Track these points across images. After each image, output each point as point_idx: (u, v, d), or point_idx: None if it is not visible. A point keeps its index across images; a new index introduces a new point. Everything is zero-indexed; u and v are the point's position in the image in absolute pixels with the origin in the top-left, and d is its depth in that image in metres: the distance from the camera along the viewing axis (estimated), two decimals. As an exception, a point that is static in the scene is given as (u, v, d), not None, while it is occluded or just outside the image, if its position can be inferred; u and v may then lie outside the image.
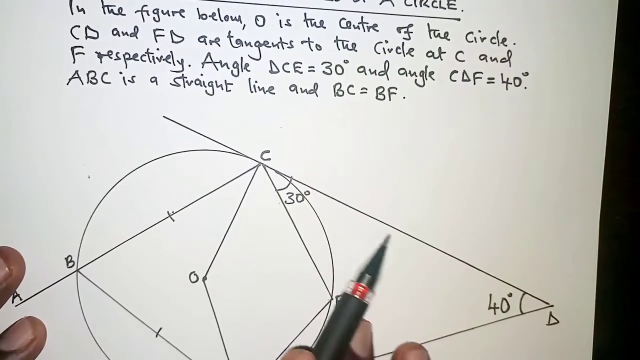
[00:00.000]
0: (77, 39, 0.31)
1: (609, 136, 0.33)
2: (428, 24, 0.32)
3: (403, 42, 0.32)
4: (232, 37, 0.31)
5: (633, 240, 0.34)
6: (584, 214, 0.33)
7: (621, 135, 0.33)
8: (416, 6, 0.32)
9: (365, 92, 0.32)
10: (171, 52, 0.31)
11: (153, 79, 0.31)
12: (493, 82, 0.32)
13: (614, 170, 0.33)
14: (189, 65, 0.32)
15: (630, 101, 0.34)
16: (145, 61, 0.31)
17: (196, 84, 0.32)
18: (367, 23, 0.32)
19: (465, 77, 0.32)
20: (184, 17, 0.31)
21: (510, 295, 0.33)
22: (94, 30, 0.31)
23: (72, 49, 0.31)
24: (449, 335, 0.33)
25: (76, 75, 0.31)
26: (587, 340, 0.33)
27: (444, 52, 0.32)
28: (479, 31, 0.32)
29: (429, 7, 0.32)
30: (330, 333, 0.28)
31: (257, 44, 0.32)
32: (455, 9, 0.32)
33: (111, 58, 0.31)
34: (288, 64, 0.32)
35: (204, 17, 0.31)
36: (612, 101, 0.33)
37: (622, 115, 0.33)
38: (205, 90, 0.32)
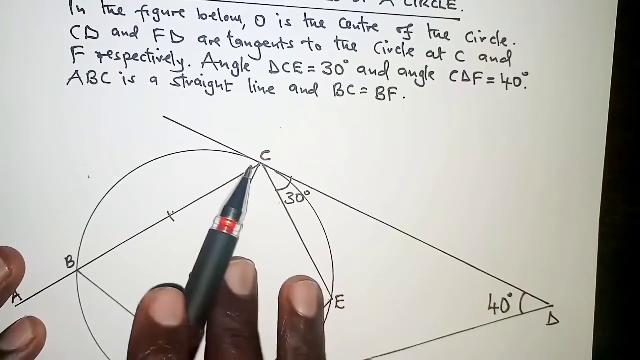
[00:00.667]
0: (77, 39, 0.31)
1: (609, 136, 0.33)
2: (428, 24, 0.32)
3: (403, 42, 0.32)
4: (232, 37, 0.31)
5: (633, 240, 0.34)
6: (584, 214, 0.33)
7: (621, 135, 0.33)
8: (416, 6, 0.32)
9: (365, 92, 0.32)
10: (171, 52, 0.31)
11: (153, 79, 0.31)
12: (493, 82, 0.32)
13: (613, 170, 0.33)
14: (189, 65, 0.32)
15: (630, 101, 0.34)
16: (145, 61, 0.31)
17: (196, 84, 0.32)
18: (367, 23, 0.32)
19: (465, 77, 0.32)
20: (184, 17, 0.31)
21: (510, 295, 0.33)
22: (94, 30, 0.31)
23: (72, 49, 0.31)
24: (448, 335, 0.33)
25: (76, 75, 0.31)
26: (587, 340, 0.33)
27: (444, 52, 0.32)
28: (479, 31, 0.32)
29: (429, 7, 0.32)
30: (201, 271, 0.28)
31: (257, 44, 0.32)
32: (455, 9, 0.32)
33: (111, 58, 0.31)
34: (288, 64, 0.32)
35: (204, 17, 0.31)
36: (612, 101, 0.33)
37: (622, 115, 0.33)
38: (205, 90, 0.32)
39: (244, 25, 0.31)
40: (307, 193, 0.32)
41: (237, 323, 0.28)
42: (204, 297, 0.28)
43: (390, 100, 0.32)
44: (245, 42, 0.32)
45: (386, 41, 0.32)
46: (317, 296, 0.30)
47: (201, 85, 0.32)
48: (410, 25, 0.32)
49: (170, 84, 0.32)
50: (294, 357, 0.28)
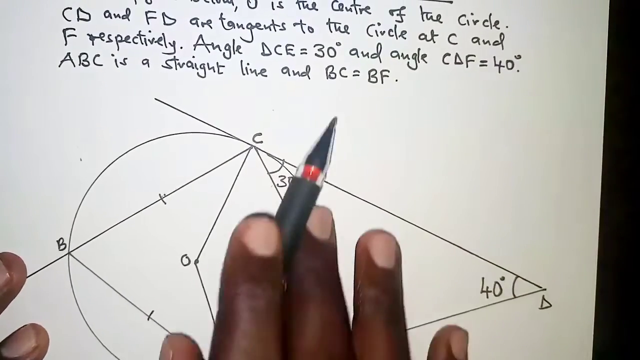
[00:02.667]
0: (69, 20, 0.31)
1: (609, 136, 0.33)
2: (420, 7, 0.32)
3: (395, 25, 0.32)
4: (224, 19, 0.31)
5: (633, 240, 0.34)
6: (583, 211, 0.33)
7: (621, 135, 0.33)
8: (409, -11, 0.32)
9: (358, 75, 0.32)
10: (163, 34, 0.31)
11: (145, 61, 0.31)
12: (486, 65, 0.32)
13: (613, 171, 0.33)
14: (181, 48, 0.31)
15: (630, 101, 0.34)
16: (137, 43, 0.31)
17: (188, 66, 0.32)
18: (360, 5, 0.32)
19: (457, 60, 0.32)
20: (175, -2, 0.31)
21: (502, 278, 0.33)
22: (85, 13, 0.31)
23: (64, 31, 0.31)
24: (441, 318, 0.33)
25: (68, 58, 0.31)
26: (580, 323, 0.33)
27: (437, 35, 0.32)
28: (472, 14, 0.32)
29: (421, -10, 0.32)
30: (284, 218, 0.27)
31: (249, 26, 0.32)
32: (448, -9, 0.32)
33: (103, 40, 0.31)
34: (280, 46, 0.32)
35: (196, -1, 0.31)
36: (612, 101, 0.33)
37: (621, 115, 0.33)
38: (197, 73, 0.32)
39: (236, 7, 0.31)
40: (299, 176, 0.32)
41: (319, 264, 0.27)
42: (287, 244, 0.28)
43: (382, 83, 0.32)
44: (237, 24, 0.31)
45: (378, 24, 0.32)
46: (395, 248, 0.30)
47: (193, 68, 0.32)
48: (403, 7, 0.32)
49: (162, 66, 0.31)
50: (374, 309, 0.27)
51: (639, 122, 0.34)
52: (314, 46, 0.32)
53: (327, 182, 0.32)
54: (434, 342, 0.31)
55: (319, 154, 0.28)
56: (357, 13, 0.32)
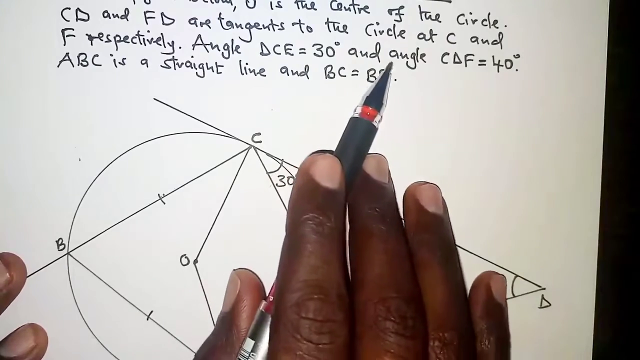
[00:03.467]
0: (68, 21, 0.31)
1: (609, 136, 0.33)
2: (419, 6, 0.32)
3: (394, 24, 0.32)
4: (223, 19, 0.31)
5: (633, 240, 0.34)
6: (583, 211, 0.33)
7: (621, 135, 0.33)
8: (407, -12, 0.32)
9: (357, 74, 0.32)
10: (162, 34, 0.31)
11: (144, 61, 0.31)
12: (484, 64, 0.32)
13: (613, 170, 0.33)
14: (180, 47, 0.31)
15: (630, 101, 0.34)
16: (135, 43, 0.31)
17: (187, 66, 0.32)
18: (358, 5, 0.32)
19: (456, 59, 0.32)
20: (174, -2, 0.31)
21: (502, 278, 0.33)
22: (84, 13, 0.31)
23: (63, 31, 0.31)
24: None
25: (67, 58, 0.31)
26: (580, 323, 0.33)
27: (435, 34, 0.32)
28: (470, 13, 0.32)
29: (420, -11, 0.32)
30: (342, 155, 0.28)
31: (247, 26, 0.32)
32: (447, -9, 0.32)
33: (102, 40, 0.31)
34: (279, 45, 0.32)
35: (195, -2, 0.31)
36: (612, 101, 0.33)
37: (621, 115, 0.33)
38: (196, 73, 0.32)
39: (235, 7, 0.31)
40: (298, 176, 0.32)
41: (382, 204, 0.28)
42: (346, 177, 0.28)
43: (381, 82, 0.32)
44: (235, 24, 0.31)
45: (377, 23, 0.32)
46: (441, 196, 0.31)
47: (192, 68, 0.32)
48: (402, 7, 0.32)
49: (161, 66, 0.31)
50: (430, 251, 0.28)
51: (639, 122, 0.34)
52: (313, 46, 0.32)
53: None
54: (473, 286, 0.31)
55: (377, 96, 0.30)
56: (355, 13, 0.32)
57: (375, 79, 0.31)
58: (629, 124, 0.34)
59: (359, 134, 0.29)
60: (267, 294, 0.30)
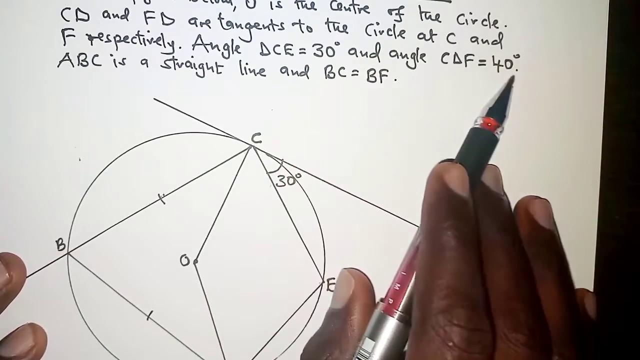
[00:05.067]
0: (68, 21, 0.31)
1: (609, 136, 0.33)
2: (419, 6, 0.32)
3: (394, 24, 0.32)
4: (223, 19, 0.31)
5: (632, 240, 0.34)
6: (583, 211, 0.33)
7: (621, 135, 0.33)
8: (407, -12, 0.32)
9: (357, 74, 0.32)
10: (162, 34, 0.31)
11: (144, 61, 0.31)
12: (484, 65, 0.32)
13: (612, 170, 0.33)
14: (180, 47, 0.31)
15: (630, 101, 0.34)
16: (135, 43, 0.31)
17: (187, 66, 0.32)
18: (358, 5, 0.32)
19: (456, 59, 0.32)
20: (174, -2, 0.31)
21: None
22: (84, 13, 0.31)
23: (63, 31, 0.31)
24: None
25: (67, 58, 0.31)
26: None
27: (435, 34, 0.32)
28: (470, 13, 0.32)
29: (420, -11, 0.32)
30: (463, 164, 0.28)
31: (247, 26, 0.32)
32: (447, -9, 0.32)
33: (102, 40, 0.31)
34: (279, 45, 0.32)
35: (195, -2, 0.31)
36: (612, 101, 0.33)
37: (622, 115, 0.33)
38: (196, 73, 0.32)
39: (235, 7, 0.31)
40: (298, 176, 0.32)
41: (502, 216, 0.29)
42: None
43: (381, 82, 0.32)
44: (235, 24, 0.31)
45: (377, 23, 0.32)
46: (552, 212, 0.31)
47: (192, 68, 0.32)
48: (402, 7, 0.32)
49: (161, 66, 0.31)
50: (545, 266, 0.28)
51: (639, 122, 0.34)
52: (313, 46, 0.32)
53: (329, 183, 0.32)
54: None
55: (499, 107, 0.29)
56: (355, 12, 0.32)
57: (498, 91, 0.30)
58: (629, 124, 0.34)
59: (481, 144, 0.29)
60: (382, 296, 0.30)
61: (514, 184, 0.33)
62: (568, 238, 0.33)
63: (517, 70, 0.33)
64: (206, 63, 0.32)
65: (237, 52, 0.32)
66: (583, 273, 0.33)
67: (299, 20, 0.32)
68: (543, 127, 0.33)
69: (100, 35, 0.31)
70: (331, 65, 0.32)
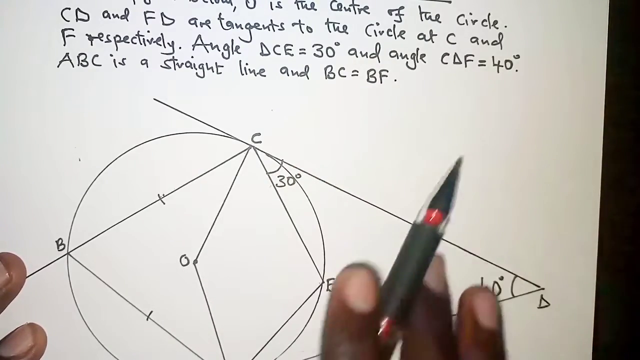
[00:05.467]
0: (68, 21, 0.31)
1: (609, 136, 0.33)
2: (419, 7, 0.32)
3: (394, 25, 0.32)
4: (223, 19, 0.31)
5: (632, 240, 0.34)
6: (583, 211, 0.33)
7: (621, 135, 0.33)
8: (407, -11, 0.32)
9: (357, 75, 0.32)
10: (162, 34, 0.31)
11: (144, 62, 0.31)
12: (484, 65, 0.32)
13: (612, 170, 0.33)
14: (180, 48, 0.31)
15: (630, 101, 0.34)
16: (135, 43, 0.31)
17: (187, 67, 0.32)
18: (358, 5, 0.32)
19: (456, 60, 0.32)
20: (174, -1, 0.31)
21: (501, 278, 0.33)
22: (84, 13, 0.31)
23: (63, 31, 0.31)
24: (440, 318, 0.33)
25: (67, 58, 0.31)
26: (579, 322, 0.33)
27: (435, 35, 0.32)
28: (470, 14, 0.32)
29: (420, -11, 0.32)
30: (403, 268, 0.26)
31: (247, 26, 0.32)
32: (447, -9, 0.32)
33: (102, 40, 0.31)
34: (279, 46, 0.32)
35: (195, -1, 0.31)
36: (612, 101, 0.33)
37: (622, 115, 0.33)
38: (196, 73, 0.32)
39: (235, 7, 0.31)
40: (298, 176, 0.32)
41: (438, 322, 0.27)
42: (405, 294, 0.26)
43: (381, 82, 0.32)
44: (235, 24, 0.31)
45: (377, 23, 0.32)
46: (498, 308, 0.29)
47: (192, 68, 0.32)
48: (402, 7, 0.32)
49: (161, 66, 0.31)
50: None
51: (639, 122, 0.34)
52: (313, 46, 0.32)
53: (329, 184, 0.32)
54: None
55: (443, 198, 0.26)
56: (355, 13, 0.32)
57: (443, 176, 0.27)
58: (629, 124, 0.34)
59: (421, 242, 0.26)
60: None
61: (514, 185, 0.33)
62: (568, 238, 0.33)
63: (517, 70, 0.33)
64: (206, 63, 0.32)
65: (237, 52, 0.32)
66: (584, 273, 0.33)
67: (299, 21, 0.32)
68: (543, 127, 0.33)
69: (100, 36, 0.31)
70: (331, 66, 0.32)
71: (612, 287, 0.34)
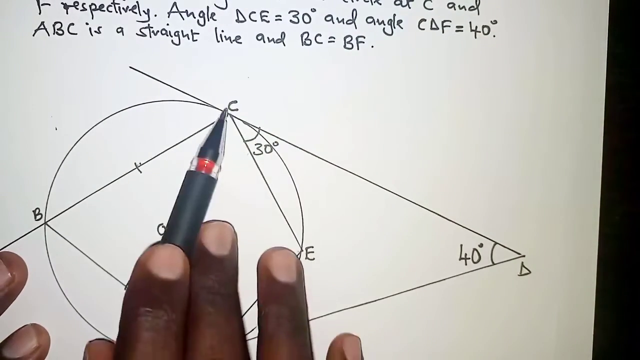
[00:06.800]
0: (43, -11, 0.31)
1: (609, 136, 0.32)
2: (396, -28, 0.32)
3: (370, -9, 0.32)
4: (198, -15, 0.31)
5: (633, 240, 0.34)
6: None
7: (621, 135, 0.33)
8: (384, -45, 0.32)
9: (333, 41, 0.32)
10: (137, 2, 0.31)
11: (119, 30, 0.31)
12: (461, 31, 0.32)
13: (613, 170, 0.33)
14: (155, 15, 0.31)
15: (630, 101, 0.33)
16: (111, 12, 0.31)
17: (162, 34, 0.31)
18: (334, -29, 0.32)
19: (433, 26, 0.32)
20: (149, -35, 0.31)
21: (481, 245, 0.33)
22: (59, -19, 0.31)
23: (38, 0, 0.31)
24: (419, 286, 0.32)
25: (42, 27, 0.31)
26: (560, 291, 0.33)
27: (412, 1, 0.32)
28: (447, -22, 0.32)
29: (396, -45, 0.32)
30: (180, 213, 0.28)
31: (223, -7, 0.31)
32: (424, -43, 0.32)
33: (77, 9, 0.31)
34: (255, 12, 0.32)
35: (169, -35, 0.31)
36: (612, 101, 0.32)
37: (622, 115, 0.33)
38: (172, 40, 0.31)
39: (210, -27, 0.31)
40: (275, 144, 0.32)
41: (213, 281, 0.28)
42: (184, 239, 0.28)
43: (358, 49, 0.32)
44: (211, -10, 0.31)
45: (353, -11, 0.32)
46: (295, 262, 0.30)
47: (167, 35, 0.31)
48: (378, -27, 0.32)
49: (137, 34, 0.31)
50: (276, 324, 0.28)
51: (639, 122, 0.34)
52: (289, 12, 0.32)
53: (307, 152, 0.32)
54: (328, 352, 0.31)
55: (212, 146, 0.29)
56: (331, -22, 0.32)
57: (211, 125, 0.30)
58: (629, 124, 0.34)
59: (197, 188, 0.29)
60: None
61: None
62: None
63: (494, 36, 0.32)
64: (182, 31, 0.31)
65: (213, 19, 0.31)
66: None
67: (275, -13, 0.31)
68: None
69: (76, 4, 0.31)
70: (307, 32, 0.32)
71: (613, 287, 0.33)
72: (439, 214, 0.32)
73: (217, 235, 0.29)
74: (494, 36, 0.32)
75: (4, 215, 0.31)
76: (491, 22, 0.32)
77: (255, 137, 0.32)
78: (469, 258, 0.33)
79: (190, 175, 0.29)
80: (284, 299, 0.29)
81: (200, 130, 0.32)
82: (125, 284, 0.32)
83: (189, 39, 0.31)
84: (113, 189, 0.32)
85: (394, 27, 0.32)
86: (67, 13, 0.31)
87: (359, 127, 0.32)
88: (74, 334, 0.31)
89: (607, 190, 0.33)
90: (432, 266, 0.32)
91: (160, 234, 0.32)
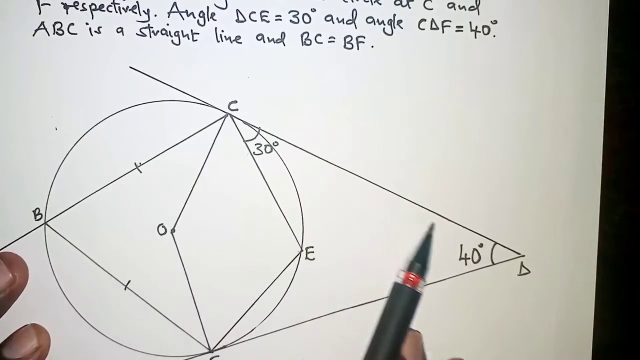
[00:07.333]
0: (43, -11, 0.31)
1: (609, 136, 0.33)
2: (395, -28, 0.32)
3: (370, -10, 0.32)
4: (198, -14, 0.31)
5: (633, 239, 0.34)
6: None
7: (621, 135, 0.33)
8: (384, -45, 0.32)
9: (333, 41, 0.32)
10: (137, 2, 0.31)
11: (119, 30, 0.31)
12: (462, 31, 0.32)
13: (613, 170, 0.33)
14: (155, 15, 0.31)
15: (630, 101, 0.33)
16: (111, 12, 0.31)
17: (162, 34, 0.31)
18: (334, -29, 0.32)
19: (433, 26, 0.32)
20: (149, -35, 0.31)
21: (481, 245, 0.33)
22: (59, -19, 0.31)
23: (38, 0, 0.31)
24: (420, 286, 0.32)
25: (42, 27, 0.31)
26: (559, 291, 0.33)
27: (412, 1, 0.32)
28: (447, -22, 0.32)
29: (396, -45, 0.32)
30: (387, 325, 0.28)
31: (223, -7, 0.31)
32: (424, -43, 0.32)
33: (77, 9, 0.31)
34: (255, 12, 0.32)
35: (169, -35, 0.31)
36: (612, 101, 0.32)
37: (622, 115, 0.33)
38: (172, 40, 0.31)
39: (210, -27, 0.31)
40: (275, 144, 0.32)
41: None
42: (388, 351, 0.28)
43: (358, 49, 0.32)
44: (211, -9, 0.31)
45: (353, -11, 0.32)
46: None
47: (167, 35, 0.31)
48: (378, -27, 0.32)
49: (137, 34, 0.31)
50: None
51: (639, 122, 0.34)
52: (289, 12, 0.32)
53: (306, 152, 0.32)
54: None
55: (420, 260, 0.29)
56: (331, -21, 0.32)
57: (420, 240, 0.30)
58: (629, 124, 0.34)
59: (403, 301, 0.29)
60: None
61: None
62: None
63: (494, 36, 0.32)
64: (182, 31, 0.31)
65: (213, 19, 0.31)
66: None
67: (275, -13, 0.31)
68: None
69: (76, 4, 0.31)
70: (307, 32, 0.32)
71: (612, 286, 0.33)
72: (439, 214, 0.32)
73: (415, 346, 0.29)
74: (494, 36, 0.32)
75: (4, 215, 0.31)
76: (491, 22, 0.32)
77: (255, 137, 0.32)
78: (469, 258, 0.33)
79: (396, 288, 0.29)
80: None
81: (201, 130, 0.32)
82: (126, 284, 0.32)
83: (189, 39, 0.31)
84: (113, 189, 0.32)
85: (394, 27, 0.32)
86: (67, 13, 0.31)
87: (359, 127, 0.32)
88: (74, 334, 0.31)
89: (607, 189, 0.33)
90: (432, 266, 0.32)
91: (161, 234, 0.32)
